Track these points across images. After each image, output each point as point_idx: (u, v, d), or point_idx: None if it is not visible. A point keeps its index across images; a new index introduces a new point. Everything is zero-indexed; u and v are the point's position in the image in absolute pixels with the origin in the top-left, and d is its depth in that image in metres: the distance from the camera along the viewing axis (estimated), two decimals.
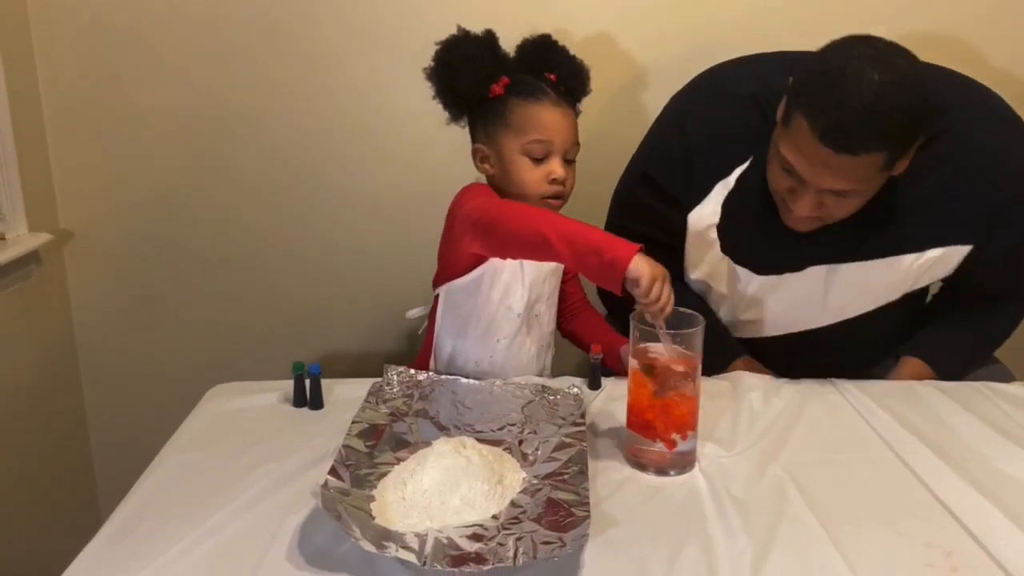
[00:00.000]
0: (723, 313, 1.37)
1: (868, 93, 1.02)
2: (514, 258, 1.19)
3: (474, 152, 1.26)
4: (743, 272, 1.29)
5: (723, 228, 1.28)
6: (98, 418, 1.90)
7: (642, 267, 0.98)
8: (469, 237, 1.14)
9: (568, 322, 1.39)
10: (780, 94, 1.14)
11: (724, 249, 1.29)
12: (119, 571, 0.83)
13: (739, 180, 1.25)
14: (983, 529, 0.91)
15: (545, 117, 1.20)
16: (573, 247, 1.02)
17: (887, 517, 0.94)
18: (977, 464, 1.04)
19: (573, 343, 1.40)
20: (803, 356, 1.30)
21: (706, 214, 1.28)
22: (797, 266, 1.25)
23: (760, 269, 1.27)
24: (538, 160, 1.21)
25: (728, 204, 1.26)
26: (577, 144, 1.24)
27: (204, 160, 1.74)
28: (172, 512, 0.93)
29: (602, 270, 1.00)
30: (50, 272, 1.76)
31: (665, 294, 0.99)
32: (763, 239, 1.25)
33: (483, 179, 1.28)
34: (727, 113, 1.25)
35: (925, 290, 1.33)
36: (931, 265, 1.24)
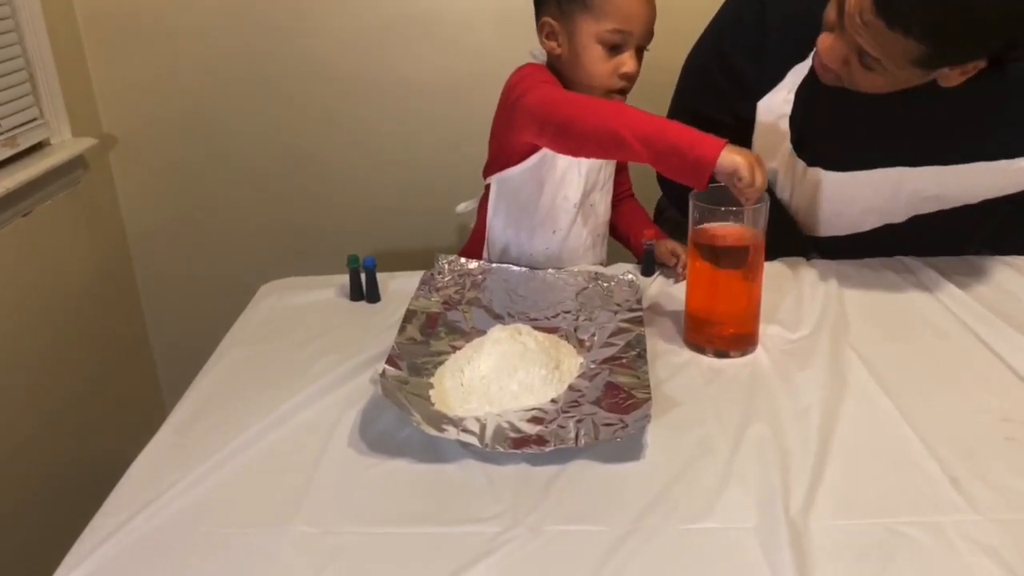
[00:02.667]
0: (792, 209, 1.30)
1: None
2: (586, 156, 1.13)
3: (540, 26, 1.16)
4: (812, 168, 1.21)
5: (794, 120, 1.18)
6: (156, 317, 1.94)
7: (736, 159, 0.91)
8: (534, 131, 1.07)
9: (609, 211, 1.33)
10: None
11: (794, 141, 1.20)
12: (187, 461, 0.84)
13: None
14: None
15: (630, 4, 1.10)
16: (653, 147, 0.96)
17: (961, 392, 0.91)
18: None
19: (610, 233, 1.35)
20: (873, 254, 1.24)
21: (777, 102, 1.18)
22: (870, 164, 1.16)
23: (830, 165, 1.19)
24: (612, 49, 1.12)
25: (802, 93, 1.16)
26: (652, 34, 1.15)
27: (244, 60, 1.71)
28: (235, 404, 0.94)
29: (686, 169, 0.94)
30: (98, 176, 1.77)
31: (760, 178, 0.93)
32: (836, 133, 1.16)
33: (539, 58, 1.19)
34: None
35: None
36: (1020, 175, 1.13)
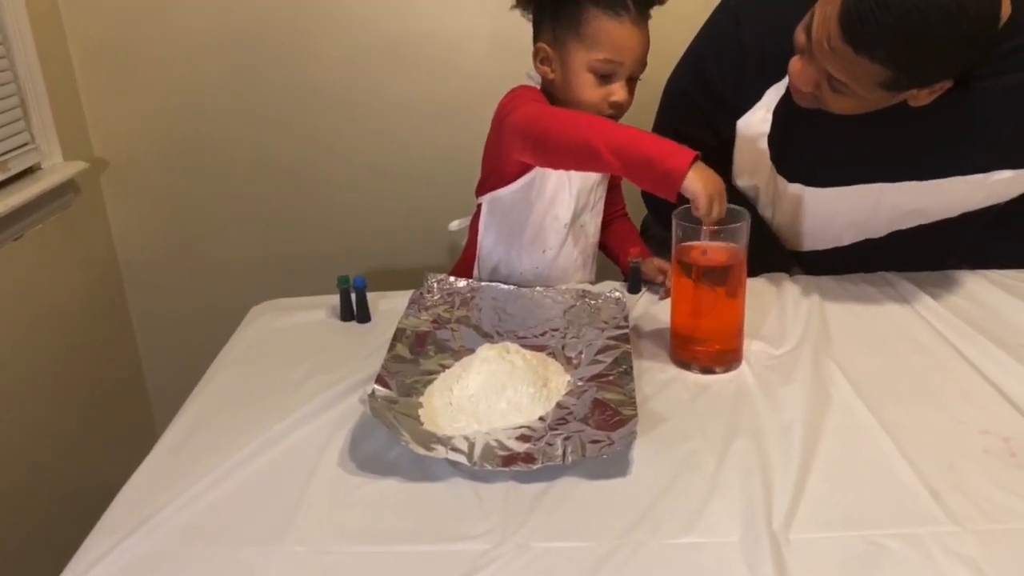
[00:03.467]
0: (774, 225, 1.31)
1: (908, 3, 0.91)
2: (565, 169, 1.15)
3: (536, 51, 1.19)
4: (793, 185, 1.23)
5: (773, 138, 1.21)
6: (147, 338, 1.94)
7: (697, 186, 0.94)
8: (518, 147, 1.09)
9: (600, 231, 1.35)
10: None
11: (774, 159, 1.22)
12: (179, 481, 0.85)
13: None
14: None
15: (622, 36, 1.12)
16: (625, 159, 0.98)
17: (941, 405, 0.93)
18: None
19: (602, 252, 1.37)
20: (854, 269, 1.26)
21: (755, 121, 1.21)
22: (849, 180, 1.19)
23: (810, 181, 1.21)
24: (603, 79, 1.14)
25: (780, 112, 1.19)
26: (645, 65, 1.17)
27: (234, 82, 1.73)
28: (226, 425, 0.95)
29: (656, 182, 0.97)
30: (89, 200, 1.77)
31: (717, 210, 0.95)
32: (814, 150, 1.18)
33: (534, 80, 1.21)
34: (787, 10, 1.13)
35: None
36: (997, 188, 1.15)
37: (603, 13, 1.11)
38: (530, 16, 1.19)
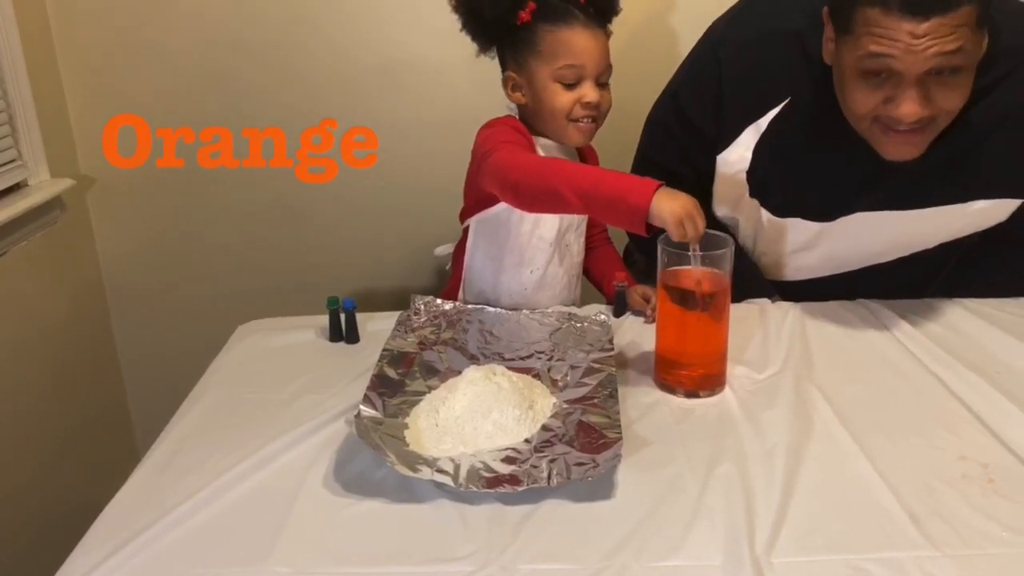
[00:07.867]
0: (754, 255, 1.33)
1: None
2: (540, 213, 1.19)
3: (505, 81, 1.23)
4: (774, 219, 1.25)
5: (753, 174, 1.22)
6: (131, 358, 1.93)
7: (664, 212, 0.95)
8: (497, 191, 1.12)
9: (585, 254, 1.37)
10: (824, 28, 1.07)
11: (754, 194, 1.24)
12: (163, 501, 0.85)
13: (772, 124, 1.18)
14: (1019, 442, 0.91)
15: (575, 41, 1.16)
16: (591, 202, 1.01)
17: (920, 431, 0.94)
18: (1011, 377, 1.03)
19: (587, 278, 1.39)
20: (834, 299, 1.27)
21: (733, 159, 1.22)
22: (828, 216, 1.21)
23: (790, 214, 1.23)
24: (570, 85, 1.18)
25: (759, 150, 1.20)
26: (610, 67, 1.20)
27: (222, 99, 1.73)
28: (212, 444, 0.95)
29: (623, 220, 0.99)
30: (75, 217, 1.77)
31: (691, 230, 0.96)
32: (795, 186, 1.20)
33: (512, 111, 1.25)
34: (766, 51, 1.16)
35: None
36: (975, 217, 1.18)
37: (553, 26, 1.17)
38: (494, 55, 1.24)
